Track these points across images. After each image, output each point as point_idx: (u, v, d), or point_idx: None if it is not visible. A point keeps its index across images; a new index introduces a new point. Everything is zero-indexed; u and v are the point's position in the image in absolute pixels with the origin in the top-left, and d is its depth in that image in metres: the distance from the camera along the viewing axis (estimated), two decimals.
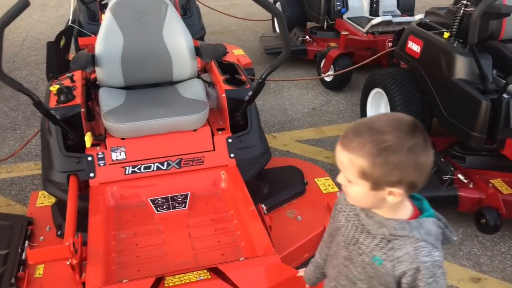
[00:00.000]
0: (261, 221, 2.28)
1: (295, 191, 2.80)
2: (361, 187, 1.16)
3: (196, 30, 4.55)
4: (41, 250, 1.87)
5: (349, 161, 1.14)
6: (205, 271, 1.93)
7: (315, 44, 5.19)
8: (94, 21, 4.64)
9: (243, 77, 2.92)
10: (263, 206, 2.42)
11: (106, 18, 2.87)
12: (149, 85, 3.00)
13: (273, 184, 2.84)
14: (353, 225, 1.30)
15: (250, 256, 2.10)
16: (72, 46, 4.27)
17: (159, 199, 2.54)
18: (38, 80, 5.05)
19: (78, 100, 2.63)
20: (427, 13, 3.89)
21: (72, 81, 2.79)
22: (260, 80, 2.60)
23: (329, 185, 2.90)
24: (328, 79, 4.73)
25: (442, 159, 3.00)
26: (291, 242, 2.39)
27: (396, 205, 1.19)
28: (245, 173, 2.65)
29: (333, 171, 3.48)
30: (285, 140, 3.91)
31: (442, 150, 3.16)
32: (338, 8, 5.11)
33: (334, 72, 4.59)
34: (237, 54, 4.81)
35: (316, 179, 2.95)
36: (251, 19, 6.85)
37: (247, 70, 4.03)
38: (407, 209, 1.23)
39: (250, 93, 2.70)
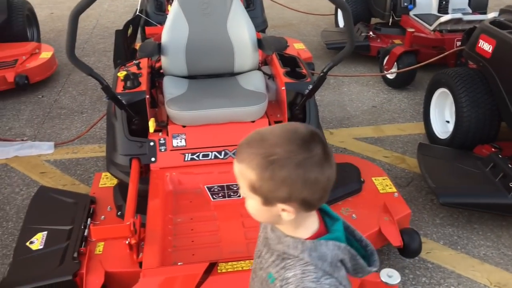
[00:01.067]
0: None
1: (351, 188, 2.75)
2: (254, 201, 1.06)
3: (258, 23, 4.57)
4: (104, 228, 1.95)
5: (240, 173, 1.05)
6: None
7: (378, 40, 5.07)
8: (161, 11, 4.77)
9: (304, 71, 2.91)
10: None
11: (174, 8, 2.95)
12: (211, 75, 3.05)
13: None
14: (263, 237, 1.20)
15: None
16: (138, 35, 4.43)
17: (215, 187, 2.59)
18: (105, 66, 5.27)
19: (144, 86, 2.72)
20: (502, 11, 3.69)
21: (139, 68, 2.89)
22: (321, 74, 2.57)
23: (386, 185, 2.83)
24: (390, 76, 4.61)
25: (510, 165, 2.84)
26: None
27: (296, 221, 1.06)
28: None
29: (391, 171, 3.40)
30: (342, 137, 3.85)
31: (509, 156, 3.00)
32: (405, 4, 4.96)
33: (398, 69, 4.46)
34: (297, 48, 4.79)
35: (373, 178, 2.88)
36: (313, 13, 6.79)
37: (307, 65, 4.01)
38: (310, 228, 1.09)
39: (310, 87, 2.68)
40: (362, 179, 2.84)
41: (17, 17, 5.07)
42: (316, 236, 1.09)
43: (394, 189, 2.77)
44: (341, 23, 5.92)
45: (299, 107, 2.73)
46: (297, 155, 0.99)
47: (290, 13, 6.87)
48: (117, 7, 7.63)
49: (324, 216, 1.15)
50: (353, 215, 2.56)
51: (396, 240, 2.39)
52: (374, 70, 5.03)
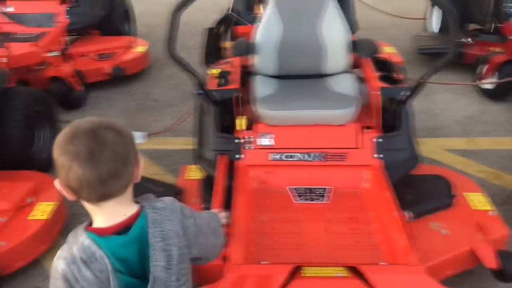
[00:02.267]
0: (405, 228, 2.17)
1: (441, 202, 2.61)
2: None
3: (349, 25, 4.46)
4: None
5: None
6: (342, 268, 1.90)
7: (476, 47, 4.77)
8: (251, 10, 4.83)
9: (400, 76, 2.79)
10: (407, 213, 2.30)
11: (269, 7, 2.96)
12: (300, 75, 3.03)
13: (418, 192, 2.68)
14: None
15: (390, 262, 2.02)
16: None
17: (299, 188, 2.57)
18: (194, 63, 5.41)
19: (236, 84, 2.76)
20: None
21: (231, 66, 2.94)
22: (420, 80, 2.46)
23: (480, 202, 2.65)
24: (489, 86, 4.32)
25: None
26: (433, 256, 2.24)
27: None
28: (390, 176, 2.54)
29: (484, 187, 3.17)
30: (432, 147, 3.67)
31: None
32: (511, 10, 4.61)
33: (498, 79, 4.17)
34: (388, 52, 4.63)
35: (465, 193, 2.72)
36: (405, 17, 6.55)
37: None
38: (97, 220, 1.24)
39: (407, 93, 2.57)
40: (453, 193, 2.68)
41: (116, 13, 5.39)
42: (99, 231, 1.22)
43: (488, 207, 2.59)
44: (435, 28, 5.64)
45: (392, 113, 2.63)
46: (66, 145, 1.15)
47: (380, 15, 6.68)
48: (207, 5, 7.83)
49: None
50: (443, 231, 2.43)
51: (491, 261, 2.23)
52: (467, 79, 4.74)
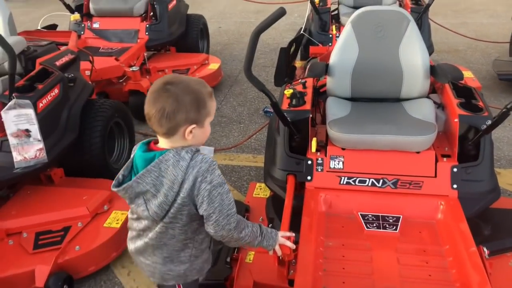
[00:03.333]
0: (482, 265, 2.05)
1: None
2: None
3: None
4: None
5: None
6: None
7: None
8: (324, 31, 4.83)
9: (481, 103, 2.67)
10: (485, 249, 2.17)
11: (346, 29, 2.95)
12: (375, 99, 2.98)
13: (497, 227, 2.53)
14: None
15: None
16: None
17: (370, 215, 2.50)
18: (264, 81, 5.48)
19: (308, 106, 2.76)
20: None
21: (304, 87, 2.95)
22: (504, 110, 2.33)
23: None
24: None
25: None
26: None
27: None
28: (467, 208, 2.42)
29: None
30: (511, 179, 3.45)
31: None
32: None
33: None
34: (465, 76, 4.43)
35: None
36: (483, 40, 6.27)
37: None
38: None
39: (489, 122, 2.45)
40: None
41: (193, 31, 5.59)
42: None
43: None
44: None
45: (473, 142, 2.51)
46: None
47: (456, 38, 6.44)
48: (278, 24, 7.94)
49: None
50: None
51: None
52: None
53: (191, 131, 1.53)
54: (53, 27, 4.79)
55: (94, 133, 3.29)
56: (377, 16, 2.91)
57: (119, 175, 1.60)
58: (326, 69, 2.96)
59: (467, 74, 4.56)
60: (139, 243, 1.70)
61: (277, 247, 1.82)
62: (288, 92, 2.81)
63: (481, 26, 7.14)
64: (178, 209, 1.55)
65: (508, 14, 7.08)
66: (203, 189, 1.51)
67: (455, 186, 2.49)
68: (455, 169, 2.50)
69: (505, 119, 2.43)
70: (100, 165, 3.34)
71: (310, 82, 3.04)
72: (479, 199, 2.48)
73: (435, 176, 2.52)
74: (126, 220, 2.85)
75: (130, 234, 1.75)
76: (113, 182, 1.59)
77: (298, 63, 4.93)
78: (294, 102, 2.78)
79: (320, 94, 3.22)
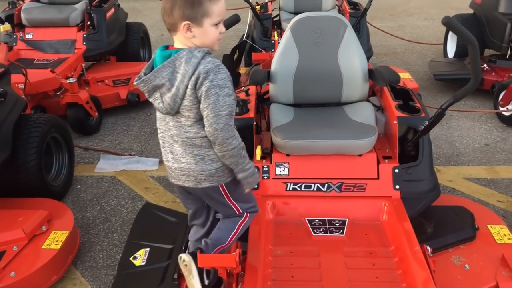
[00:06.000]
0: (426, 264, 2.10)
1: (463, 235, 2.53)
2: None
3: (364, 51, 4.45)
4: (211, 256, 1.95)
5: None
6: None
7: (493, 73, 4.71)
8: (266, 37, 4.85)
9: (418, 105, 2.75)
10: (428, 247, 2.22)
11: (285, 36, 2.96)
12: (317, 104, 3.00)
13: (438, 224, 2.61)
14: None
15: None
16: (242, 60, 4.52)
17: (317, 220, 2.51)
18: None
19: (252, 113, 2.74)
20: None
21: (247, 94, 2.93)
22: (440, 110, 2.41)
23: (505, 235, 2.56)
24: (507, 113, 4.24)
25: None
26: None
27: None
28: (409, 208, 2.48)
29: (506, 217, 3.08)
30: (450, 176, 3.59)
31: None
32: None
33: None
34: (403, 78, 4.58)
35: (489, 226, 2.63)
36: (419, 42, 6.53)
37: None
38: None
39: (426, 122, 2.52)
40: (476, 225, 2.60)
41: (133, 39, 5.45)
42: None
43: None
44: (450, 53, 5.60)
45: (412, 143, 2.58)
46: None
47: (394, 41, 6.67)
48: (229, 31, 7.91)
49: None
50: (466, 265, 2.34)
51: None
52: (486, 105, 4.67)
53: (188, 29, 1.71)
54: None
55: (28, 150, 3.12)
56: (315, 22, 2.93)
57: (141, 73, 1.79)
58: (268, 76, 2.95)
59: (405, 75, 4.72)
60: (171, 145, 1.89)
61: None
62: None
63: (417, 29, 7.43)
64: (190, 101, 1.74)
65: (439, 17, 7.43)
66: (204, 85, 1.70)
67: (397, 186, 2.54)
68: (396, 170, 2.56)
69: (442, 119, 2.51)
70: (37, 184, 3.17)
71: (253, 89, 3.03)
72: (421, 198, 2.55)
73: (378, 178, 2.57)
74: (67, 240, 2.72)
75: (162, 143, 1.94)
76: (135, 79, 1.80)
77: (242, 70, 4.92)
78: (237, 110, 2.75)
79: (264, 101, 3.21)
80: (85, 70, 4.79)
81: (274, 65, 2.95)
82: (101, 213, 3.32)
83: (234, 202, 2.03)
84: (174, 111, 1.79)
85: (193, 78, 1.70)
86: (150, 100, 1.83)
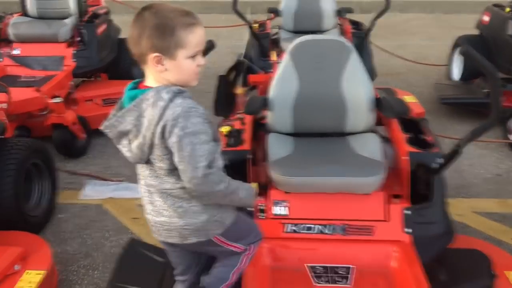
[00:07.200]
0: None
1: (480, 284, 2.28)
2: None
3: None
4: None
5: None
6: None
7: (503, 98, 4.49)
8: (265, 57, 4.64)
9: (430, 138, 2.52)
10: None
11: (285, 60, 2.74)
12: (318, 133, 2.77)
13: (453, 270, 2.36)
14: None
15: None
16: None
17: (319, 267, 2.26)
18: (206, 108, 5.21)
19: (247, 145, 2.51)
20: None
21: (242, 123, 2.70)
22: (456, 148, 2.18)
23: None
24: None
25: None
26: None
27: None
28: (421, 253, 2.24)
29: None
30: (460, 209, 3.34)
31: None
32: None
33: None
34: (408, 101, 4.36)
35: (507, 272, 2.39)
36: (422, 63, 6.34)
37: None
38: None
39: (440, 160, 2.29)
40: (493, 272, 2.35)
41: (125, 56, 5.22)
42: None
43: None
44: (455, 75, 5.40)
45: (423, 182, 2.34)
46: None
47: (396, 60, 6.47)
48: (220, 47, 7.71)
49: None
50: None
51: None
52: (495, 131, 4.44)
53: (159, 62, 1.47)
54: None
55: (4, 178, 2.88)
56: (316, 46, 2.72)
57: (110, 114, 1.57)
58: (264, 103, 2.72)
59: (411, 98, 4.51)
60: (150, 196, 1.66)
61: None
62: (225, 129, 2.55)
63: (420, 48, 7.25)
64: (160, 151, 1.51)
65: (442, 36, 7.26)
66: (174, 134, 1.45)
67: (408, 230, 2.30)
68: (407, 211, 2.32)
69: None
70: (13, 215, 2.92)
71: (248, 118, 2.79)
72: (434, 242, 2.31)
73: (387, 220, 2.33)
74: (42, 282, 2.46)
75: (142, 192, 1.72)
76: (103, 121, 1.59)
77: (240, 90, 4.69)
78: (231, 141, 2.52)
79: (262, 125, 2.97)
80: (75, 87, 4.57)
81: (272, 92, 2.72)
82: (83, 247, 3.06)
83: (235, 244, 1.80)
84: (144, 161, 1.58)
85: (159, 126, 1.46)
86: (118, 147, 1.63)
